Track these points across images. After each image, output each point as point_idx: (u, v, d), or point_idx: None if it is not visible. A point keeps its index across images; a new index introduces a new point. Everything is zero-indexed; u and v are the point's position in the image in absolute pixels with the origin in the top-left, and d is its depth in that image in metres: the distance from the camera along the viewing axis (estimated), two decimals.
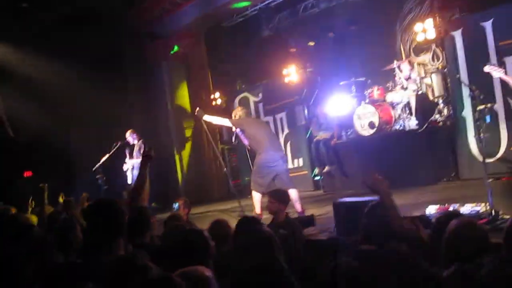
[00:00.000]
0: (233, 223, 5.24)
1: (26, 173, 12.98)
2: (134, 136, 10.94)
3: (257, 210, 7.89)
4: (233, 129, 8.42)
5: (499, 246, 2.90)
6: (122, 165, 11.13)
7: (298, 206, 7.89)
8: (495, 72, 6.63)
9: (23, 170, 12.56)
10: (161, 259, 3.34)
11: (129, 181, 11.01)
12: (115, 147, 10.62)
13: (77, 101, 12.42)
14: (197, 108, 8.55)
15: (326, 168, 10.91)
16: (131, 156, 11.03)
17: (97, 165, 10.29)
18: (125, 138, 10.89)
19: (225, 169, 9.56)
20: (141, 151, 10.70)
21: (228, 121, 8.29)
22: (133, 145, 11.02)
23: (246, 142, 8.42)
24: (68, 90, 12.24)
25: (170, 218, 5.16)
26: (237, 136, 8.58)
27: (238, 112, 8.24)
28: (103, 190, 10.11)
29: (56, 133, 12.53)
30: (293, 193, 7.72)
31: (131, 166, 10.96)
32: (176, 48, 14.37)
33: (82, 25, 12.32)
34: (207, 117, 8.33)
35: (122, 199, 8.47)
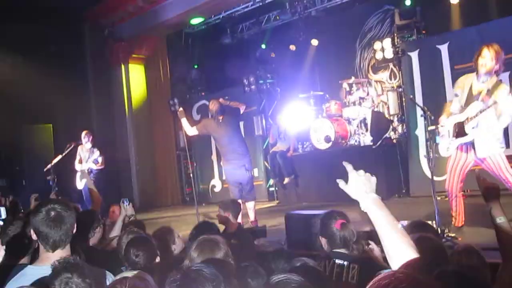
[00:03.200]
0: (185, 230, 5.24)
1: None
2: (89, 138, 10.70)
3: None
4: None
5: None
6: (74, 168, 10.83)
7: (251, 215, 7.97)
8: None
9: None
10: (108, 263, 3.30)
11: (79, 186, 10.68)
12: (69, 148, 10.39)
13: (32, 99, 12.08)
14: (181, 108, 8.55)
15: (286, 180, 10.95)
16: (81, 161, 10.74)
17: (49, 166, 10.04)
18: (79, 139, 10.64)
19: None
20: (96, 161, 10.49)
21: (195, 130, 8.29)
22: (86, 147, 10.76)
23: None
24: (23, 86, 11.92)
25: (129, 224, 5.07)
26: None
27: (210, 106, 8.18)
28: (53, 191, 9.86)
29: (7, 131, 12.16)
30: (249, 204, 7.94)
31: (83, 171, 10.65)
32: None
33: (42, 21, 12.05)
34: (183, 120, 8.35)
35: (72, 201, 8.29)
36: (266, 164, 11.96)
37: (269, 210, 10.33)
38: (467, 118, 5.50)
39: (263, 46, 13.15)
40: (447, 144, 5.69)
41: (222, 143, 8.09)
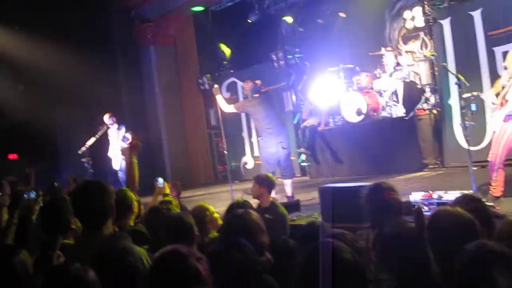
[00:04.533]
0: (220, 207, 5.27)
1: (11, 156, 12.87)
2: (113, 119, 10.86)
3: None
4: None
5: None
6: (108, 149, 11.03)
7: (289, 191, 8.01)
8: None
9: (8, 153, 12.45)
10: (144, 242, 3.35)
11: (116, 167, 10.92)
12: (101, 130, 10.56)
13: (64, 83, 12.26)
14: (215, 86, 8.63)
15: (301, 150, 11.04)
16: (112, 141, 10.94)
17: (83, 148, 10.22)
18: (105, 123, 10.80)
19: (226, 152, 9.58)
20: (126, 138, 10.65)
21: (233, 108, 8.42)
22: (113, 129, 10.92)
23: None
24: (55, 71, 12.08)
25: (163, 203, 5.13)
26: None
27: (245, 86, 8.30)
28: (89, 173, 10.05)
29: (43, 116, 12.39)
30: (287, 181, 8.06)
31: (119, 154, 10.85)
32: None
33: (69, 5, 12.16)
34: (219, 97, 8.45)
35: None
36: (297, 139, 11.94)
37: (302, 185, 10.33)
38: None
39: (286, 19, 12.94)
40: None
41: (259, 120, 8.14)
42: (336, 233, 2.81)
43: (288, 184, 8.04)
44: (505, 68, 5.56)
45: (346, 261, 2.10)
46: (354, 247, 2.65)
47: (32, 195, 3.77)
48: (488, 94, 5.59)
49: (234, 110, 8.49)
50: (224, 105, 8.45)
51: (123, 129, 10.77)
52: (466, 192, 5.63)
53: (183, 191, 12.05)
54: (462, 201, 3.21)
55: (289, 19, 12.74)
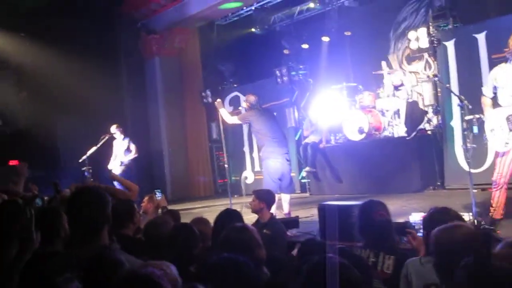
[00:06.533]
0: None
1: (12, 162, 12.82)
2: (120, 130, 10.85)
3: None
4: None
5: None
6: (109, 159, 11.02)
7: (286, 207, 7.95)
8: None
9: (8, 160, 12.42)
10: (144, 252, 3.33)
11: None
12: (103, 140, 10.57)
13: (68, 92, 12.28)
14: (218, 100, 8.75)
15: (307, 169, 10.98)
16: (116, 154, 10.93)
17: (84, 157, 10.23)
18: (111, 133, 10.80)
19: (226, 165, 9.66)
20: (127, 151, 10.66)
21: (236, 119, 8.44)
22: (119, 140, 10.93)
23: None
24: (59, 79, 12.13)
25: (165, 214, 5.12)
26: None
27: (249, 98, 8.23)
28: (89, 182, 10.03)
29: (45, 123, 12.40)
30: (286, 196, 7.97)
31: (117, 164, 10.83)
32: None
33: (76, 14, 12.24)
34: (222, 110, 8.54)
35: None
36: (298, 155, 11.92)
37: (302, 201, 10.30)
38: None
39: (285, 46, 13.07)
40: (504, 139, 5.45)
41: (263, 131, 7.99)
42: (343, 249, 2.75)
43: (287, 200, 7.99)
44: (497, 87, 5.53)
45: (353, 278, 2.07)
46: (360, 263, 2.61)
47: (39, 202, 3.74)
48: (494, 116, 5.53)
49: (238, 122, 8.52)
50: (227, 117, 8.48)
51: (127, 141, 10.75)
52: (466, 214, 5.63)
53: (182, 203, 12.09)
54: None
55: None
